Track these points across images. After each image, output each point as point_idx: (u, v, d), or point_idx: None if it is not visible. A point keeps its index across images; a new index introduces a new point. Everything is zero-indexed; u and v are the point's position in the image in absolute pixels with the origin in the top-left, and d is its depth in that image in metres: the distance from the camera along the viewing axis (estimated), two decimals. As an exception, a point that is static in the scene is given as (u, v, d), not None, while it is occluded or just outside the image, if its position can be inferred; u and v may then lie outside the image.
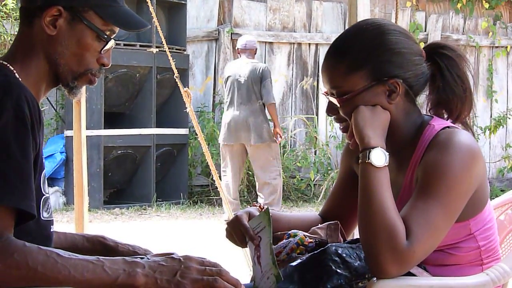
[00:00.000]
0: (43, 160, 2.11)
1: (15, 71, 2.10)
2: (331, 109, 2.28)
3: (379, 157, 2.11)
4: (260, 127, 8.85)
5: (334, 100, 2.24)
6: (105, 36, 2.16)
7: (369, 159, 2.10)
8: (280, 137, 9.15)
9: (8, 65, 2.11)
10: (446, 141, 2.13)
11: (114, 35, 2.21)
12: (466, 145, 2.13)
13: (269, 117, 9.17)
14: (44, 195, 2.06)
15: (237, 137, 8.89)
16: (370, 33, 2.23)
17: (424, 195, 2.08)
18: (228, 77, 9.01)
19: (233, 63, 9.30)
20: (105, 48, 2.18)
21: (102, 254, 2.14)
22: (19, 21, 2.23)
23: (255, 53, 9.25)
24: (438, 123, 2.23)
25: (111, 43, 2.19)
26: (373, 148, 2.12)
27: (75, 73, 2.17)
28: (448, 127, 2.21)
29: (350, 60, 2.20)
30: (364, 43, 2.22)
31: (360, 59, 2.20)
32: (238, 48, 9.22)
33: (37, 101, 2.03)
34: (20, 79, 2.08)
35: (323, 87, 11.73)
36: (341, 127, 2.30)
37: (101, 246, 2.40)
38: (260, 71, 8.90)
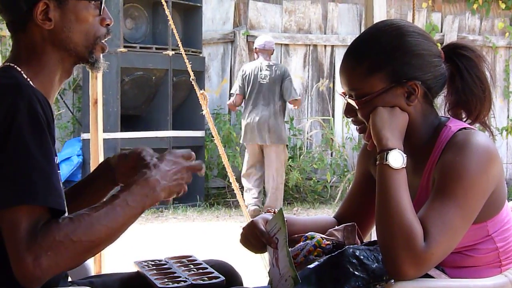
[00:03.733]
0: (56, 161, 2.12)
1: (22, 72, 2.10)
2: (349, 111, 2.28)
3: (397, 158, 2.10)
4: (279, 129, 8.97)
5: (353, 102, 2.24)
6: None
7: (386, 160, 2.10)
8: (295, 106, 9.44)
9: (15, 66, 2.12)
10: (463, 143, 2.13)
11: None
12: (483, 146, 2.12)
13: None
14: None
15: (255, 138, 8.95)
16: (389, 35, 2.23)
17: (441, 196, 2.07)
18: (247, 77, 9.09)
19: (252, 64, 9.35)
20: (102, 8, 2.19)
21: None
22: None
23: (272, 54, 9.30)
24: (455, 125, 2.22)
25: (102, 1, 2.20)
26: (391, 149, 2.11)
27: (89, 47, 2.18)
28: (465, 128, 2.20)
29: (369, 62, 2.20)
30: (383, 45, 2.22)
31: (379, 61, 2.20)
32: (256, 48, 9.26)
33: (47, 100, 2.04)
34: (28, 79, 2.09)
35: (339, 89, 11.71)
36: (359, 128, 2.30)
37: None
38: (281, 72, 9.00)
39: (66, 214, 2.09)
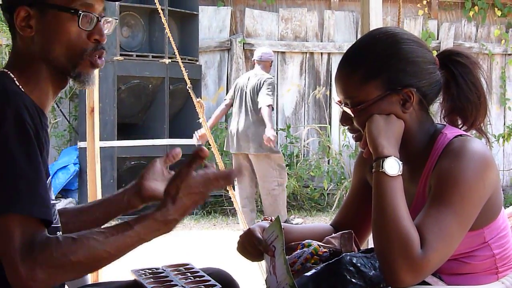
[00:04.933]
0: (48, 167, 2.11)
1: (15, 78, 2.09)
2: (345, 119, 2.29)
3: (392, 166, 2.10)
4: (260, 137, 8.81)
5: (348, 110, 2.24)
6: (76, 10, 2.11)
7: (382, 168, 2.10)
8: (270, 142, 8.74)
9: (9, 72, 2.11)
10: (459, 150, 2.13)
11: (94, 8, 2.15)
12: (479, 153, 2.12)
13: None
14: None
15: (239, 147, 8.91)
16: (384, 43, 2.24)
17: (438, 203, 2.07)
18: (237, 87, 9.07)
19: (244, 75, 9.32)
20: (85, 23, 2.13)
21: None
22: None
23: (271, 65, 9.23)
24: (451, 132, 2.23)
25: (90, 16, 2.13)
26: (386, 157, 2.11)
27: (73, 61, 2.13)
28: (460, 135, 2.21)
29: (364, 70, 2.21)
30: (378, 53, 2.22)
31: (375, 69, 2.20)
32: (254, 60, 9.22)
33: (38, 107, 2.02)
34: (20, 86, 2.08)
35: (336, 97, 11.71)
36: (355, 136, 2.30)
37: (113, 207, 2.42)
38: (262, 82, 8.86)
39: (58, 223, 2.10)
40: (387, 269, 2.04)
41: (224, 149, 9.25)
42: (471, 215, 2.10)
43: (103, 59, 2.20)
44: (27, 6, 2.10)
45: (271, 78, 9.03)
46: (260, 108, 8.78)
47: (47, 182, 2.04)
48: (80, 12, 2.12)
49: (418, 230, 2.04)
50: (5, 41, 9.78)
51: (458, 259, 2.19)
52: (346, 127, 2.32)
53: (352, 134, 2.32)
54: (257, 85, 8.84)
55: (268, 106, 8.77)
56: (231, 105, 9.19)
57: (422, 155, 2.25)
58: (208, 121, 8.93)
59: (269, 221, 2.44)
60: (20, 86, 2.08)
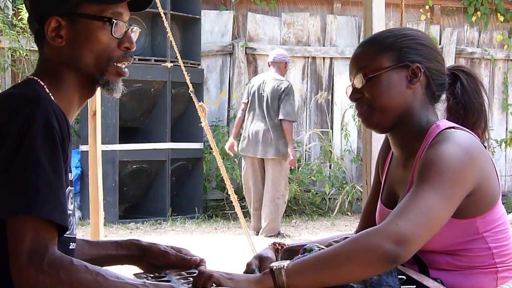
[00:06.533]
0: (70, 177, 2.11)
1: (45, 86, 2.12)
2: (355, 92, 2.38)
3: (279, 264, 2.08)
4: (278, 141, 8.85)
5: (359, 80, 2.34)
6: (108, 19, 2.13)
7: (280, 271, 2.06)
8: (291, 157, 8.93)
9: (39, 80, 2.13)
10: (443, 139, 2.20)
11: (123, 16, 2.17)
12: (463, 139, 2.20)
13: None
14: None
15: (256, 151, 8.90)
16: (400, 28, 2.48)
17: (417, 183, 2.13)
18: (252, 89, 9.05)
19: (260, 77, 9.31)
20: (117, 31, 2.15)
21: (138, 258, 2.36)
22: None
23: (285, 67, 9.22)
24: (445, 124, 2.31)
25: (121, 24, 2.15)
26: (271, 269, 2.08)
27: (100, 68, 2.15)
28: (453, 127, 2.25)
29: (379, 44, 2.38)
30: (393, 33, 2.41)
31: (388, 43, 2.37)
32: (268, 62, 9.25)
33: (65, 115, 2.03)
34: (50, 94, 2.10)
35: (337, 101, 11.67)
36: (359, 112, 2.39)
37: (137, 250, 2.44)
38: (282, 90, 8.90)
39: (73, 233, 2.10)
40: (377, 254, 2.01)
41: (241, 153, 9.20)
42: (451, 191, 2.12)
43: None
44: (58, 16, 2.11)
45: (290, 84, 9.09)
46: (281, 120, 8.90)
47: (69, 190, 2.05)
48: (113, 20, 2.13)
49: (398, 209, 2.07)
50: (7, 44, 9.80)
51: (454, 253, 2.22)
52: (355, 103, 2.40)
53: (358, 109, 2.40)
54: (277, 91, 8.87)
55: (291, 122, 8.99)
56: (246, 108, 9.17)
57: (416, 142, 2.31)
58: (232, 131, 9.27)
59: (274, 246, 2.49)
60: (50, 94, 2.10)
